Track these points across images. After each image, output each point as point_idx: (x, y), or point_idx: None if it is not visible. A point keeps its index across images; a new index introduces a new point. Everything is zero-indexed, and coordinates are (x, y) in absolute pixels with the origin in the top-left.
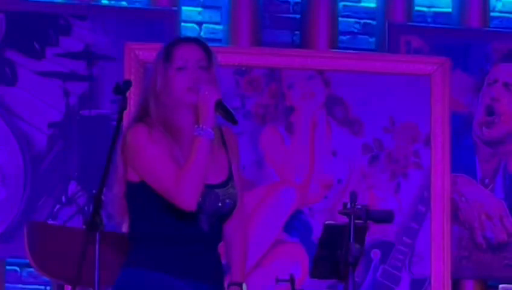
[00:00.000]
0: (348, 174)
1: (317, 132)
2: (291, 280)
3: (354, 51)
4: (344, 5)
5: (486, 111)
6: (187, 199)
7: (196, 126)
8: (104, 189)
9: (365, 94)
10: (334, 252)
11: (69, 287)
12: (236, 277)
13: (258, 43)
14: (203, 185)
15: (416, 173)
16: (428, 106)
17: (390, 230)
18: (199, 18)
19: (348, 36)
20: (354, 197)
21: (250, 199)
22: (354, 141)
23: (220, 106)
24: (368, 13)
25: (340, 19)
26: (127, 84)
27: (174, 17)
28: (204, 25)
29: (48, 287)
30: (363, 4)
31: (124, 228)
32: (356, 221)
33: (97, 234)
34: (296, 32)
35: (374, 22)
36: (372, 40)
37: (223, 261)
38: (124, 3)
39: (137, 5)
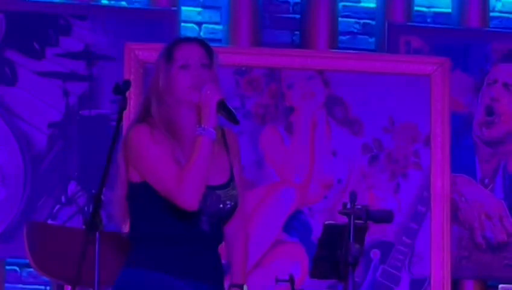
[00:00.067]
0: (347, 174)
1: (317, 132)
2: (291, 280)
3: (354, 51)
4: (344, 5)
5: (486, 111)
6: (189, 199)
7: (198, 126)
8: (104, 189)
9: (365, 94)
10: (334, 252)
11: (69, 287)
12: (237, 278)
13: (257, 43)
14: (205, 185)
15: (416, 173)
16: (428, 106)
17: (390, 230)
18: (199, 18)
19: (347, 36)
20: (353, 197)
21: (250, 199)
22: (354, 141)
23: (222, 106)
24: (368, 13)
25: (340, 19)
26: (127, 84)
27: (173, 17)
28: (204, 25)
29: (48, 287)
30: (362, 4)
31: (125, 228)
32: (356, 221)
33: (97, 234)
34: (296, 32)
35: (373, 22)
36: (372, 40)
37: (223, 261)
38: (123, 3)
39: (137, 5)
